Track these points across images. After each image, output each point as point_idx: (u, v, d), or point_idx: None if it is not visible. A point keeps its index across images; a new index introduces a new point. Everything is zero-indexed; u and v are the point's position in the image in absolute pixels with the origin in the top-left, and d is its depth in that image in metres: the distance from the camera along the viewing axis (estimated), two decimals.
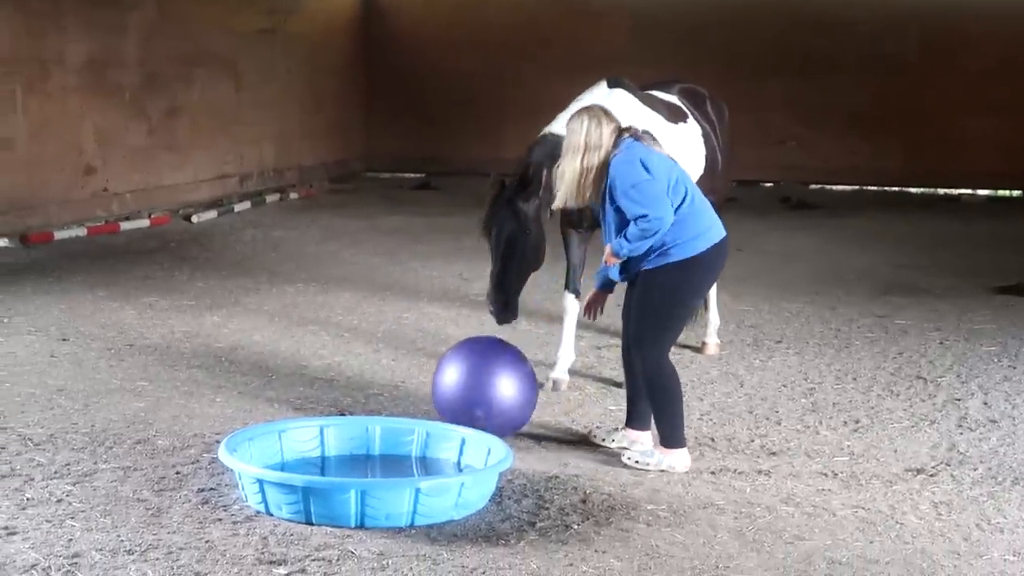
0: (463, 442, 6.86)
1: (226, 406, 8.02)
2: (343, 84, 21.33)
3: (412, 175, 21.45)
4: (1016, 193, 20.38)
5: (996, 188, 20.50)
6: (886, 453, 7.36)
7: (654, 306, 6.91)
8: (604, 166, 6.87)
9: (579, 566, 5.63)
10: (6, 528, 5.90)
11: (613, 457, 7.09)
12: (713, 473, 6.94)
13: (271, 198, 18.37)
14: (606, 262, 7.02)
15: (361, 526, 5.95)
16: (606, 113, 6.97)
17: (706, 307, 9.57)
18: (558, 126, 8.20)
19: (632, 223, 6.78)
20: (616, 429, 7.36)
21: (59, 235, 14.26)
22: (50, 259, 13.11)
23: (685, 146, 8.66)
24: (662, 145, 7.11)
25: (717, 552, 5.83)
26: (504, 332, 10.08)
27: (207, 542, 5.77)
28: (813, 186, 20.67)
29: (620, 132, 6.93)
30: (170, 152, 16.77)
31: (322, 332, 10.12)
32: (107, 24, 15.50)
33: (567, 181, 6.95)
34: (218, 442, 6.82)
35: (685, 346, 9.49)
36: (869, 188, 20.79)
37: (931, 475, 6.97)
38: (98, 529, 5.91)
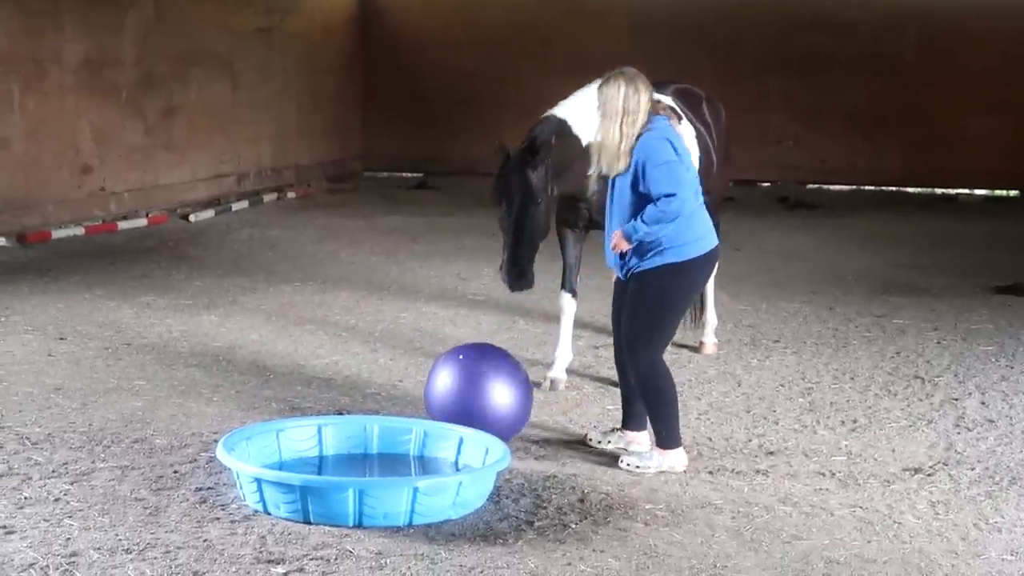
0: (461, 441, 6.85)
1: (224, 405, 8.03)
2: (341, 83, 21.33)
3: (410, 175, 21.47)
4: (1014, 193, 20.40)
5: (994, 188, 20.52)
6: (884, 453, 7.36)
7: (646, 308, 6.88)
8: (636, 135, 6.76)
9: (577, 565, 5.63)
10: (4, 527, 5.90)
11: (611, 457, 7.08)
12: (711, 473, 6.94)
13: (268, 197, 18.37)
14: (614, 247, 6.90)
15: (359, 525, 5.95)
16: (642, 79, 6.83)
17: (703, 307, 9.58)
18: (560, 110, 8.21)
19: (652, 204, 6.69)
20: (612, 430, 7.34)
21: (56, 234, 14.27)
22: (47, 258, 13.11)
23: None
24: (684, 127, 7.02)
25: (715, 551, 5.83)
26: (502, 332, 10.13)
27: (205, 541, 5.77)
28: (811, 186, 20.69)
29: (654, 103, 6.85)
30: (167, 151, 16.77)
31: (320, 331, 10.12)
32: (104, 23, 15.49)
33: (609, 147, 6.80)
34: (216, 441, 6.82)
35: (683, 345, 9.50)
36: (867, 188, 20.81)
37: (929, 475, 6.97)
38: (96, 528, 5.91)
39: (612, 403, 7.84)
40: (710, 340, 9.68)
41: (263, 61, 18.86)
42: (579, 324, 9.12)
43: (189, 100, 17.20)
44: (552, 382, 8.54)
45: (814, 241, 15.21)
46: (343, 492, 5.95)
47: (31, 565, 5.48)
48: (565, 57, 19.20)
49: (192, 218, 16.12)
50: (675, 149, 6.77)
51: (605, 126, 6.83)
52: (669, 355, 7.10)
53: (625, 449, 7.16)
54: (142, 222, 15.60)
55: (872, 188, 20.78)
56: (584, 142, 8.14)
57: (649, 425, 7.11)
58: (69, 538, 5.79)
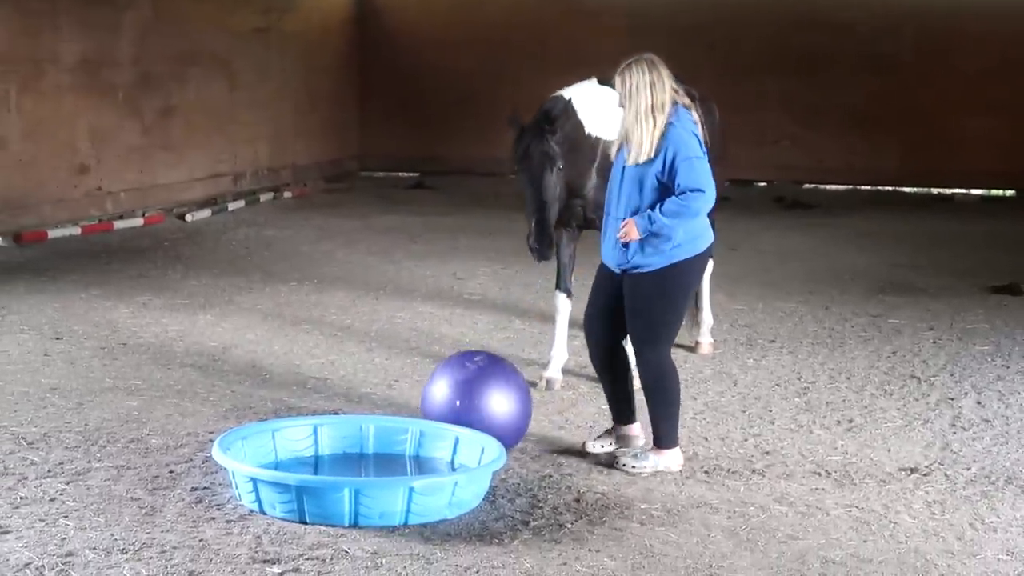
0: (457, 441, 6.85)
1: (219, 405, 8.03)
2: (338, 83, 21.33)
3: (407, 174, 21.46)
4: (1010, 193, 20.41)
5: (991, 188, 20.53)
6: (880, 452, 7.37)
7: (655, 306, 6.82)
8: (665, 122, 6.68)
9: (573, 565, 5.63)
10: (0, 527, 5.90)
11: (607, 457, 7.07)
12: (707, 472, 6.94)
13: (265, 197, 18.38)
14: (624, 236, 6.75)
15: (355, 525, 5.96)
16: (664, 65, 6.75)
17: (699, 306, 9.58)
18: (566, 92, 8.20)
19: (673, 197, 6.63)
20: (606, 432, 7.26)
21: (53, 234, 14.27)
22: (44, 258, 13.12)
23: None
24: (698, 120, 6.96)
25: (711, 551, 5.83)
26: (498, 332, 10.13)
27: (201, 541, 5.78)
28: (808, 185, 20.69)
29: (675, 92, 6.78)
30: (164, 151, 16.76)
31: (316, 331, 10.12)
32: (101, 23, 15.49)
33: (643, 135, 6.68)
34: (211, 441, 6.83)
35: (679, 345, 9.47)
36: (864, 187, 20.81)
37: (925, 474, 6.97)
38: (92, 528, 5.92)
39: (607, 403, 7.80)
40: (706, 340, 9.69)
41: (261, 61, 18.86)
42: (574, 324, 9.10)
43: (186, 100, 17.19)
44: (548, 382, 8.54)
45: (811, 241, 15.21)
46: (339, 492, 5.95)
47: (27, 565, 5.48)
48: (563, 57, 19.18)
49: (189, 218, 16.12)
50: (700, 144, 6.75)
51: (635, 113, 6.72)
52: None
53: (624, 447, 7.13)
54: (139, 222, 15.60)
55: (869, 188, 20.78)
56: (587, 129, 8.15)
57: (646, 420, 7.09)
58: (65, 538, 5.79)
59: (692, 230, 6.77)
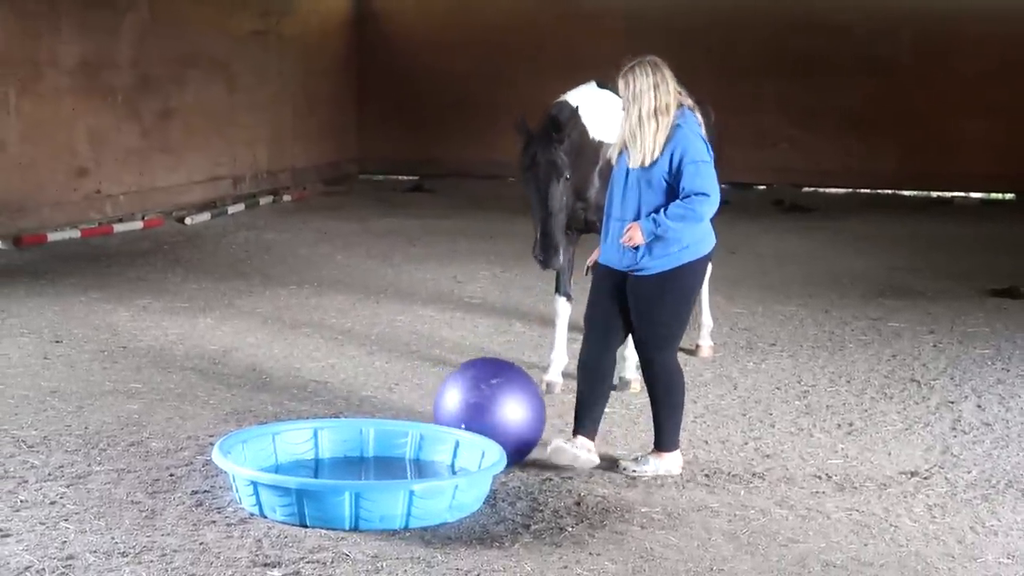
0: (457, 444, 6.85)
1: (220, 408, 8.02)
2: (336, 86, 21.34)
3: (405, 177, 21.45)
4: (1009, 196, 20.41)
5: (989, 191, 20.52)
6: (880, 456, 7.37)
7: (665, 308, 6.81)
8: (671, 124, 6.66)
9: (573, 568, 5.63)
10: (0, 530, 5.90)
11: (607, 460, 7.05)
12: (707, 475, 6.94)
13: (264, 200, 18.39)
14: (628, 240, 6.73)
15: (355, 528, 5.95)
16: (666, 67, 6.73)
17: (699, 310, 9.57)
18: (570, 97, 8.19)
19: (678, 201, 6.62)
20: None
21: (52, 237, 14.27)
22: (43, 261, 13.12)
23: None
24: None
25: (711, 555, 5.83)
26: (498, 336, 10.13)
27: (201, 544, 5.78)
28: (806, 189, 20.68)
29: (679, 94, 6.76)
30: (163, 154, 16.77)
31: (315, 335, 10.12)
32: (101, 26, 15.49)
33: (646, 137, 6.66)
34: (212, 444, 6.82)
35: (679, 348, 9.47)
36: (862, 190, 20.81)
37: (925, 478, 6.97)
38: (92, 531, 5.92)
39: (608, 407, 7.64)
40: (706, 343, 9.70)
41: (259, 64, 18.88)
42: (574, 327, 9.09)
43: (185, 103, 17.19)
44: (548, 385, 8.54)
45: (809, 244, 15.22)
46: (339, 495, 5.95)
47: (27, 568, 5.48)
48: (560, 60, 19.19)
49: (188, 221, 16.12)
50: (707, 148, 6.74)
51: (639, 116, 6.69)
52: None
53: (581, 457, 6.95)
54: (138, 225, 15.60)
55: (867, 191, 20.78)
56: (591, 134, 8.15)
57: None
58: (65, 541, 5.79)
59: (698, 232, 6.77)
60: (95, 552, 5.66)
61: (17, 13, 14.15)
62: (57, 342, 9.64)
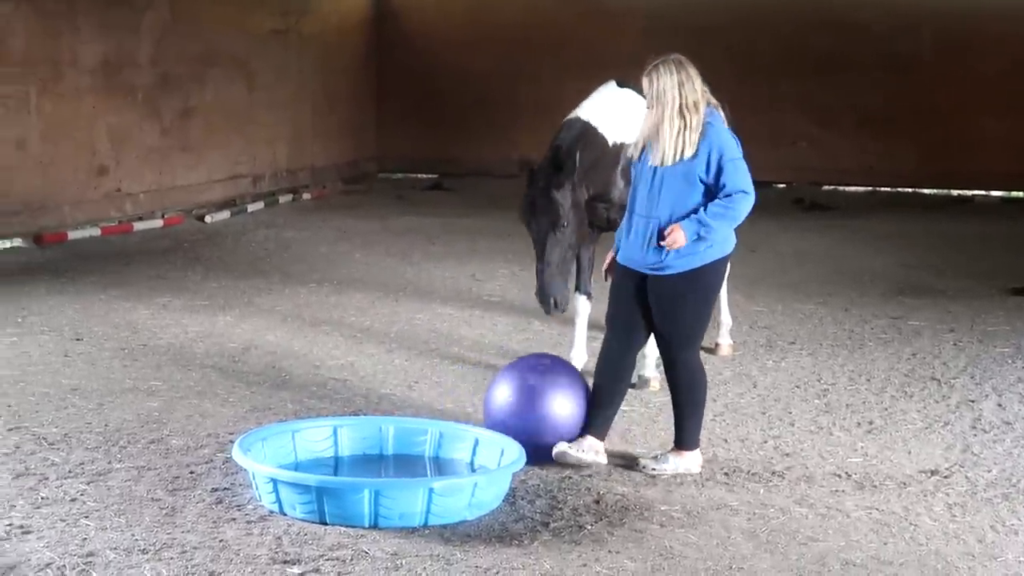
0: (476, 442, 6.87)
1: (239, 406, 8.04)
2: (355, 85, 21.37)
3: (424, 176, 21.48)
4: None
5: (1010, 189, 20.43)
6: (900, 455, 7.36)
7: (691, 307, 6.80)
8: (700, 122, 6.62)
9: (592, 567, 5.64)
10: (21, 527, 5.93)
11: (626, 458, 7.07)
12: (727, 474, 6.94)
13: (284, 198, 18.43)
14: (671, 245, 6.65)
15: (375, 526, 5.97)
16: (691, 65, 6.69)
17: (718, 308, 9.57)
18: (583, 112, 8.18)
19: (719, 200, 6.60)
20: (579, 440, 6.97)
21: (73, 235, 14.32)
22: (64, 259, 13.17)
23: None
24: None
25: (731, 553, 5.84)
26: (517, 334, 10.14)
27: (221, 541, 5.79)
28: (826, 187, 20.66)
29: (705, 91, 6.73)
30: (183, 152, 16.81)
31: (335, 332, 10.14)
32: (120, 25, 15.54)
33: (666, 137, 6.63)
34: (232, 442, 6.84)
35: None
36: (882, 189, 20.78)
37: (945, 477, 6.96)
38: (112, 528, 5.93)
39: (627, 404, 7.73)
40: (725, 341, 9.69)
41: (279, 62, 18.91)
42: (594, 326, 9.11)
43: (205, 101, 17.24)
44: None
45: (829, 242, 15.21)
46: (359, 493, 5.96)
47: (48, 565, 5.50)
48: (580, 58, 19.20)
49: (208, 219, 16.16)
50: (739, 144, 6.73)
51: (660, 115, 6.66)
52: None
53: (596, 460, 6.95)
54: (158, 223, 15.65)
55: (887, 189, 20.74)
56: (611, 142, 8.14)
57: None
58: (86, 538, 5.81)
59: (720, 230, 6.75)
60: (115, 549, 5.68)
61: (37, 13, 14.20)
62: (77, 340, 9.67)
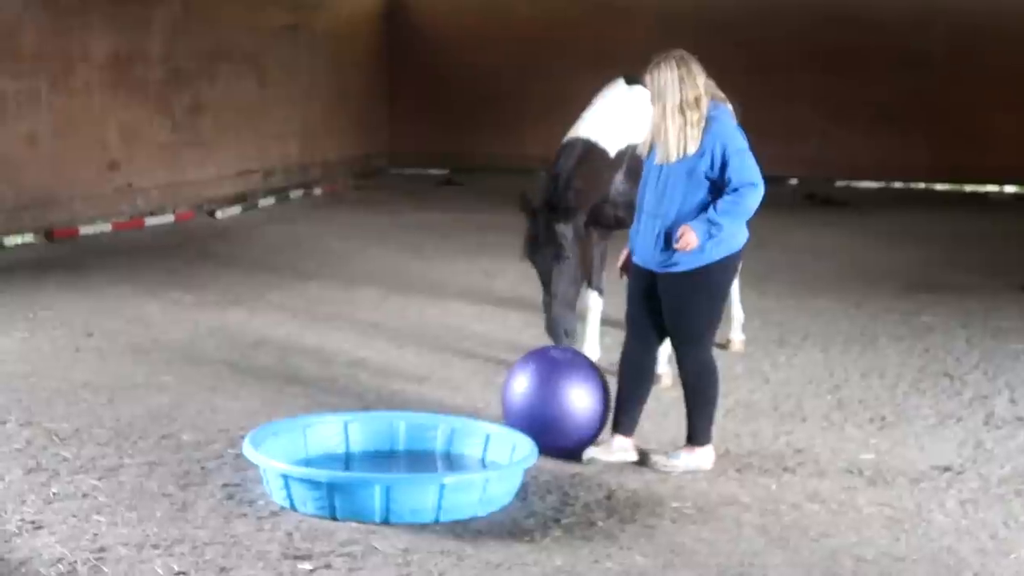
0: (488, 438, 6.87)
1: (250, 401, 8.06)
2: (367, 80, 21.41)
3: (436, 171, 21.53)
4: None
5: (1023, 185, 20.46)
6: (912, 451, 7.36)
7: (701, 304, 6.80)
8: (702, 118, 6.62)
9: (604, 563, 5.64)
10: (33, 522, 5.95)
11: (637, 454, 7.04)
12: (738, 470, 6.95)
13: (295, 194, 18.49)
14: (684, 247, 6.62)
15: (386, 522, 5.98)
16: (694, 61, 6.68)
17: (730, 303, 9.57)
18: (583, 129, 8.19)
19: (727, 197, 6.57)
20: (608, 441, 7.06)
21: (84, 230, 14.39)
22: (75, 254, 13.21)
23: None
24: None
25: (742, 549, 5.84)
26: (529, 330, 10.13)
27: (232, 537, 5.81)
28: (839, 183, 20.68)
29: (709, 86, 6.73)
30: (194, 148, 16.85)
31: (346, 327, 10.17)
32: (132, 20, 15.57)
33: (668, 134, 6.62)
34: (243, 437, 6.81)
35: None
36: (895, 185, 20.81)
37: (958, 473, 6.96)
38: (124, 523, 5.95)
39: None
40: (737, 337, 9.70)
41: (290, 58, 18.94)
42: (606, 322, 9.13)
43: (216, 97, 17.27)
44: None
45: (842, 238, 15.23)
46: (370, 488, 5.98)
47: (59, 560, 5.52)
48: (592, 54, 19.19)
49: (219, 214, 16.23)
50: (744, 137, 6.72)
51: (661, 113, 6.66)
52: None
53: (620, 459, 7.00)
54: (169, 218, 15.73)
55: (900, 185, 20.78)
56: (613, 153, 8.16)
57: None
58: (97, 533, 5.83)
59: (731, 227, 6.71)
60: (127, 544, 5.70)
61: (49, 9, 14.24)
62: (89, 335, 9.69)
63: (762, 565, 5.65)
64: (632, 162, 7.84)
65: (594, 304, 8.76)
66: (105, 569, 5.43)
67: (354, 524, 5.95)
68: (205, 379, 8.56)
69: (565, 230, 7.84)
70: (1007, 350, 9.78)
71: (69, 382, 8.38)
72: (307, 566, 5.51)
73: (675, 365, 7.21)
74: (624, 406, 7.03)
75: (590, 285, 8.73)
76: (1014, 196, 20.26)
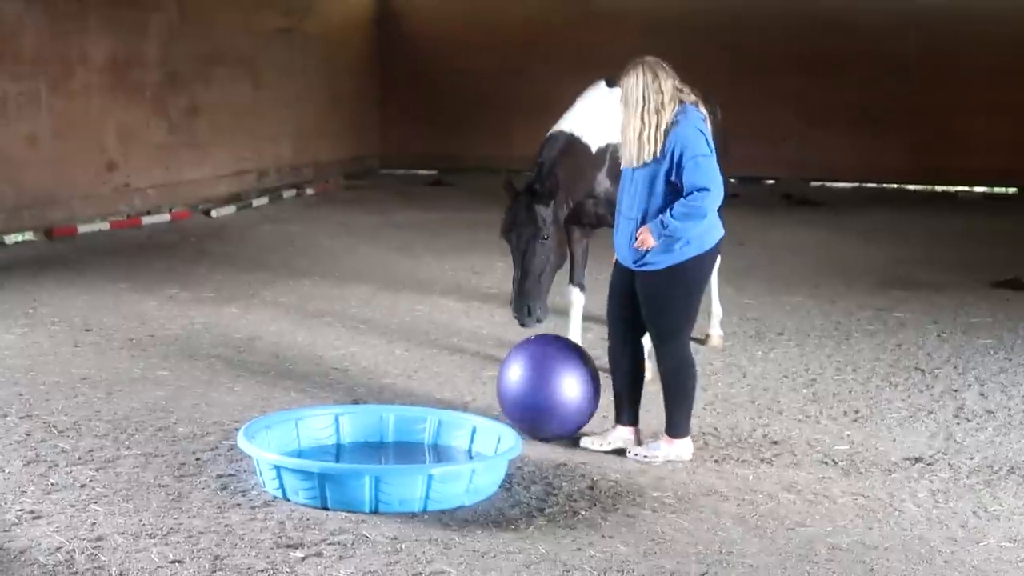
0: (474, 430, 6.94)
1: (244, 395, 8.11)
2: (359, 83, 21.44)
3: (426, 172, 21.52)
4: (1012, 190, 20.45)
5: (994, 185, 20.56)
6: (885, 442, 7.42)
7: (674, 300, 6.88)
8: (666, 122, 6.70)
9: (586, 551, 5.70)
10: (32, 512, 6.00)
11: (619, 447, 7.13)
12: (717, 461, 7.01)
13: (288, 194, 18.47)
14: (640, 245, 6.78)
15: (375, 511, 6.04)
16: (661, 67, 6.76)
17: (709, 300, 9.66)
18: (566, 124, 8.30)
19: (681, 199, 6.65)
20: (607, 431, 7.24)
21: (82, 229, 14.40)
22: (73, 252, 13.23)
23: None
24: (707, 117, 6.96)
25: (720, 538, 5.91)
26: (516, 325, 10.19)
27: (226, 526, 5.86)
28: (815, 183, 20.72)
29: (679, 91, 6.78)
30: (190, 149, 16.89)
31: (337, 324, 10.21)
32: (129, 25, 15.62)
33: (630, 137, 6.74)
34: (236, 429, 6.91)
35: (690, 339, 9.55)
36: (870, 185, 20.86)
37: (929, 464, 7.03)
38: (121, 513, 6.00)
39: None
40: (716, 332, 9.76)
41: (284, 61, 18.98)
42: (588, 317, 9.17)
43: (212, 99, 17.30)
44: None
45: (818, 237, 15.26)
46: (360, 479, 6.03)
47: (58, 549, 5.57)
48: (578, 58, 19.17)
49: (214, 214, 16.24)
50: (707, 141, 6.75)
51: (626, 117, 6.76)
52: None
53: (621, 447, 7.15)
54: (165, 217, 15.73)
55: (874, 185, 20.85)
56: (595, 149, 8.25)
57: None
58: (94, 523, 5.88)
59: (701, 227, 6.79)
60: (123, 534, 5.74)
61: (48, 13, 14.26)
62: (87, 331, 9.73)
63: (740, 553, 5.70)
64: (614, 161, 7.88)
65: (576, 300, 8.79)
66: (102, 557, 5.46)
67: (344, 514, 5.99)
68: (200, 373, 8.60)
69: (544, 212, 7.87)
70: (977, 345, 9.84)
71: (68, 376, 8.40)
72: (299, 554, 5.55)
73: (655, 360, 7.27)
74: (617, 397, 7.19)
75: (572, 281, 8.80)
76: (983, 195, 20.33)
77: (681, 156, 6.68)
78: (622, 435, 7.15)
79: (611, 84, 8.35)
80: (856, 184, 20.90)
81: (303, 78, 19.56)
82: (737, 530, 6.02)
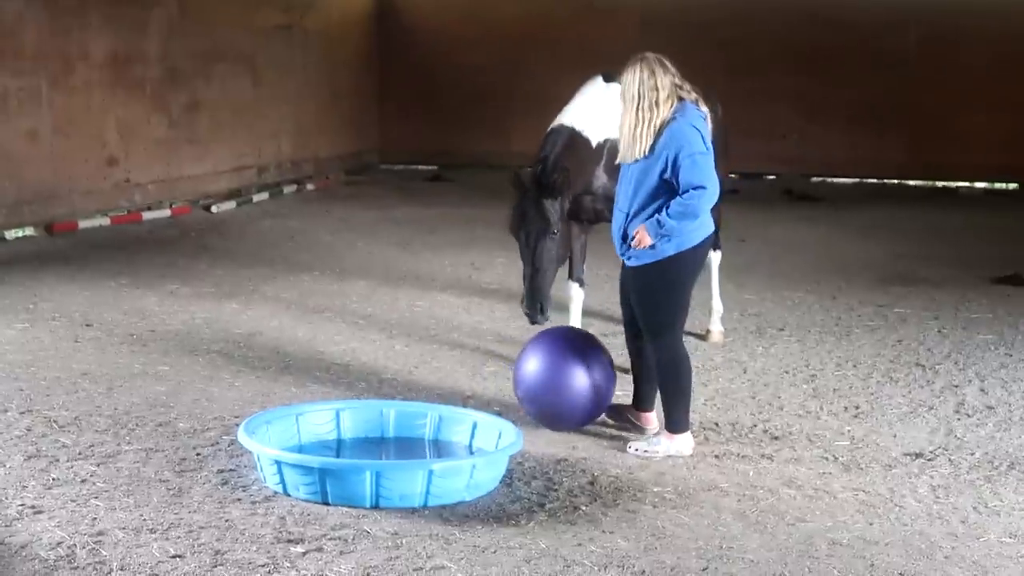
0: (475, 426, 6.96)
1: (245, 390, 8.12)
2: (358, 79, 21.43)
3: (425, 167, 21.53)
4: (1013, 186, 20.46)
5: (994, 181, 20.55)
6: (885, 438, 7.44)
7: (663, 295, 6.90)
8: (661, 119, 6.71)
9: (587, 546, 5.71)
10: (33, 507, 6.01)
11: (620, 441, 7.18)
12: (717, 457, 7.02)
13: (288, 189, 18.47)
14: (637, 244, 6.80)
15: (376, 506, 6.05)
16: (661, 63, 6.77)
17: (710, 295, 9.69)
18: (567, 117, 8.31)
19: (678, 197, 6.66)
20: (650, 439, 7.20)
21: (83, 224, 14.39)
22: (74, 248, 13.24)
23: None
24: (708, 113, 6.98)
25: (721, 533, 5.92)
26: (514, 320, 10.21)
27: (227, 521, 5.87)
28: (815, 179, 20.73)
29: (678, 88, 6.79)
30: (190, 144, 16.88)
31: (338, 319, 10.21)
32: (130, 21, 15.60)
33: (625, 133, 6.77)
34: (237, 425, 6.92)
35: (690, 333, 9.39)
36: (870, 181, 20.85)
37: (929, 459, 7.05)
38: (121, 508, 6.01)
39: (621, 389, 7.81)
40: (716, 328, 9.77)
41: (283, 57, 18.97)
42: (588, 313, 9.19)
43: (212, 95, 17.29)
44: None
45: (818, 232, 15.25)
46: (360, 474, 6.04)
47: (59, 544, 5.58)
48: (576, 54, 19.18)
49: (214, 209, 16.24)
50: (703, 139, 6.75)
51: (624, 113, 6.78)
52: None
53: (635, 433, 7.25)
54: (166, 213, 15.72)
55: (875, 181, 20.84)
56: (594, 143, 8.26)
57: (659, 407, 7.19)
58: (95, 518, 5.89)
59: (689, 224, 6.81)
60: (124, 528, 5.75)
61: (49, 9, 14.24)
62: (88, 326, 9.74)
63: (740, 548, 5.72)
64: (611, 156, 7.90)
65: (576, 295, 8.81)
66: (103, 552, 5.48)
67: (345, 509, 6.01)
68: (201, 368, 8.61)
69: (552, 207, 7.87)
70: (977, 341, 9.86)
71: (68, 371, 8.42)
72: (299, 549, 5.56)
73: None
74: (636, 383, 7.35)
75: (571, 277, 8.82)
76: (984, 191, 20.33)
77: (677, 154, 6.69)
78: (638, 418, 7.34)
79: (608, 79, 8.38)
80: (856, 180, 20.89)
81: (303, 74, 19.55)
82: (737, 525, 6.03)
